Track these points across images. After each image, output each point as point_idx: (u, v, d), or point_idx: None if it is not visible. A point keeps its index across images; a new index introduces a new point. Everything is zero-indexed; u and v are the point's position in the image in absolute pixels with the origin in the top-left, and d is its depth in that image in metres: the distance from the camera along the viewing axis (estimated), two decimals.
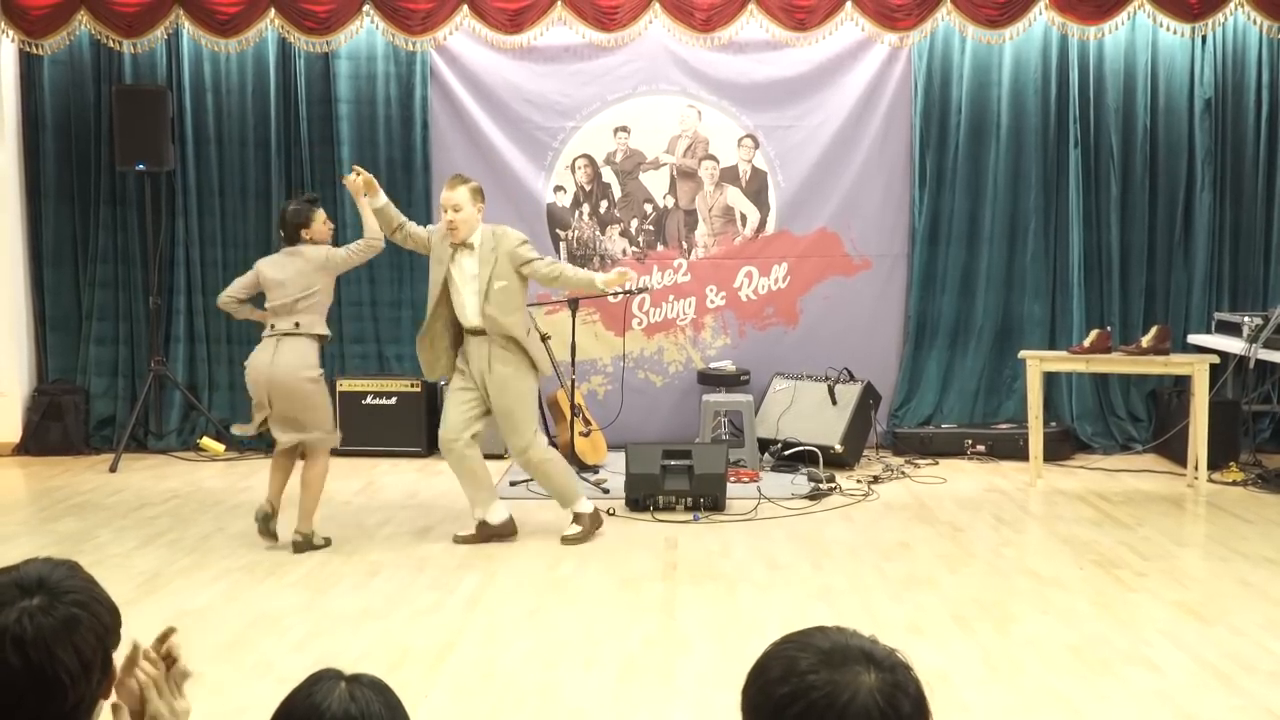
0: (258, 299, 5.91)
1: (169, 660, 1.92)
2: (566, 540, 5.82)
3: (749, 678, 1.49)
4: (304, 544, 5.69)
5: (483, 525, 5.86)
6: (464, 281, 5.71)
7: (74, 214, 8.34)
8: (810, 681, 1.41)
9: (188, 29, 7.95)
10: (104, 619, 1.63)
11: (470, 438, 5.82)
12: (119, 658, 1.76)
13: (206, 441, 8.05)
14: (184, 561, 5.56)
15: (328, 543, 5.80)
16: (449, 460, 5.92)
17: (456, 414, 5.81)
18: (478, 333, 5.73)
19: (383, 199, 5.84)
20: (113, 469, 7.63)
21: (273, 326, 5.71)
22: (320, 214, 5.86)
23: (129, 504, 6.77)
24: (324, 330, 5.80)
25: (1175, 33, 7.77)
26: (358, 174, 5.80)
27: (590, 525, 5.90)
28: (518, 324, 5.72)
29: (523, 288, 5.78)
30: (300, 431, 5.68)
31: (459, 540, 5.86)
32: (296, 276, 5.70)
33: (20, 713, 1.54)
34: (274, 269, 5.79)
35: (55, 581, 1.62)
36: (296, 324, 5.67)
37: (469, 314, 5.73)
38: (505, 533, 5.88)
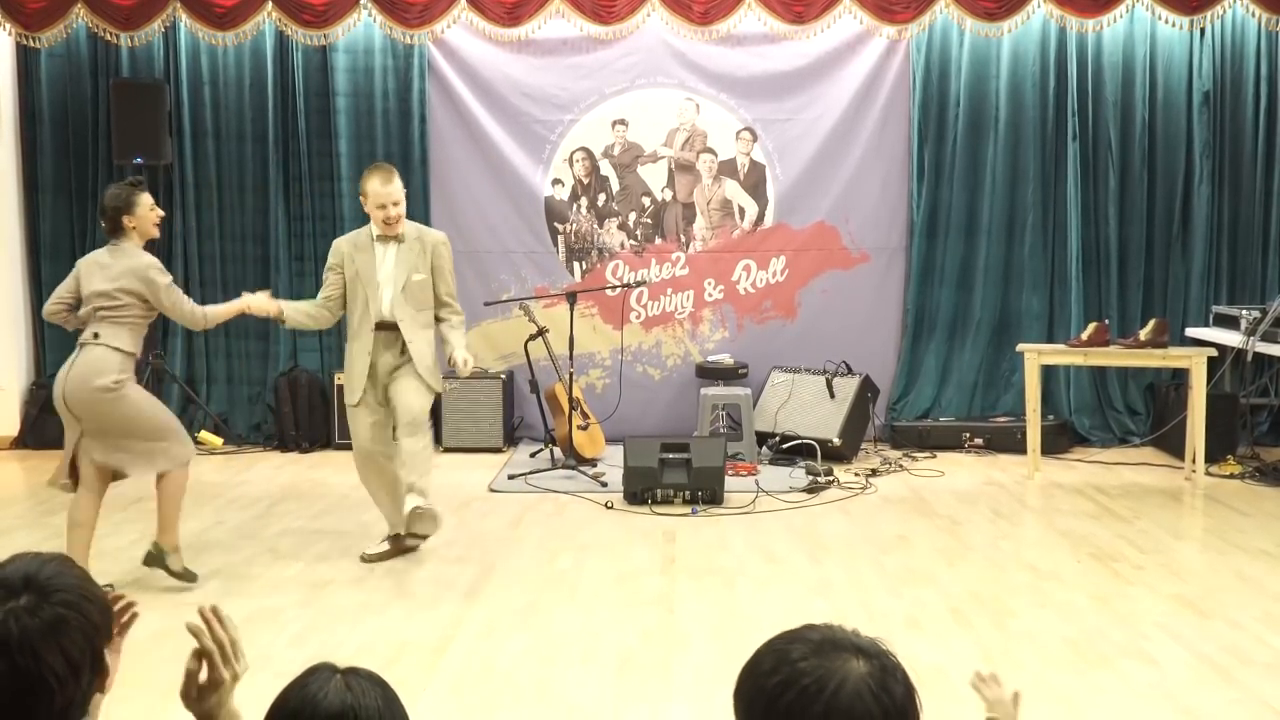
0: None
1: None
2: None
3: (741, 675, 1.52)
4: (157, 558, 5.05)
5: (396, 538, 5.50)
6: (381, 275, 5.39)
7: (71, 208, 8.33)
8: (801, 669, 1.44)
9: (185, 22, 7.94)
10: (93, 618, 1.60)
11: (388, 446, 5.43)
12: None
13: (205, 435, 8.04)
14: (182, 555, 5.54)
15: (188, 577, 5.07)
16: (369, 474, 5.46)
17: (370, 425, 5.39)
18: (388, 327, 5.37)
19: (289, 315, 5.45)
20: None
21: (79, 333, 5.00)
22: (146, 199, 5.03)
23: (127, 497, 6.75)
24: (129, 347, 4.94)
25: (1174, 25, 7.77)
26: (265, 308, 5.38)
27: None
28: (430, 318, 5.48)
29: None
30: (126, 453, 4.97)
31: (370, 559, 5.42)
32: (119, 277, 4.92)
33: (9, 714, 1.53)
34: (91, 269, 4.98)
35: (43, 579, 1.59)
36: (96, 334, 4.91)
37: (381, 308, 5.37)
38: (415, 538, 5.48)
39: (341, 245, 5.52)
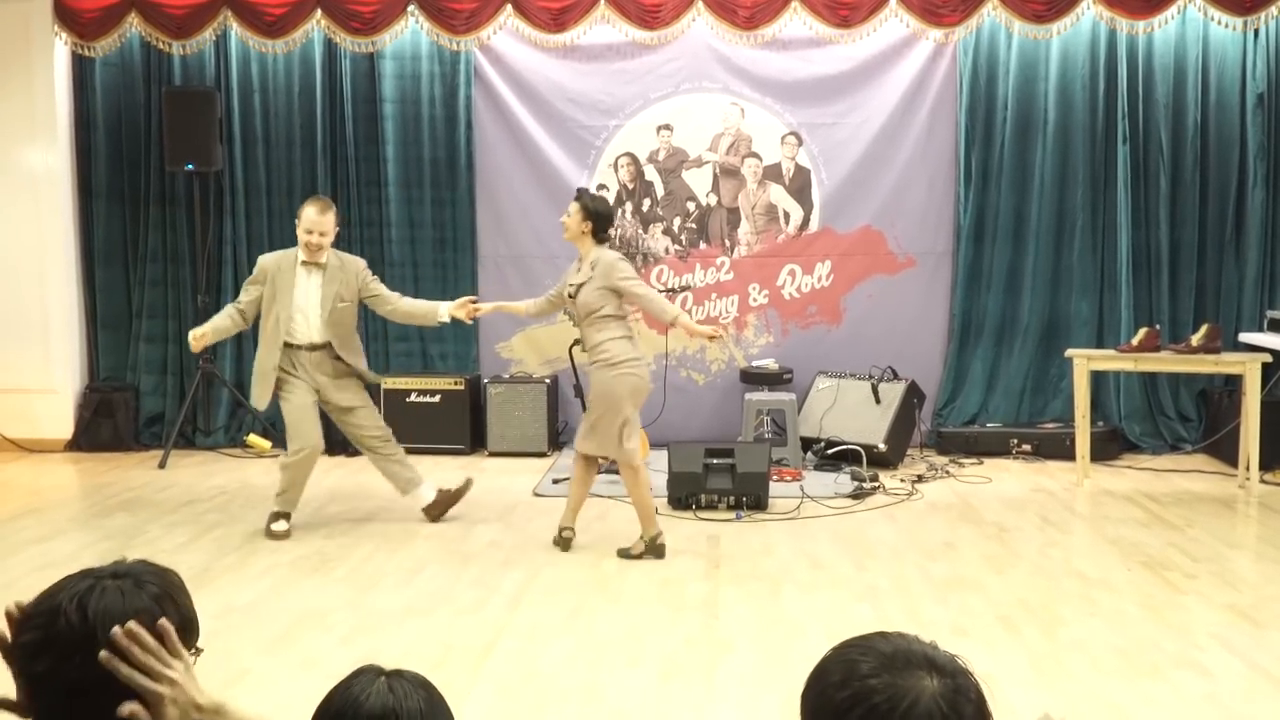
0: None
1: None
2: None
3: (808, 682, 1.47)
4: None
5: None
6: (305, 299, 5.99)
7: (124, 214, 8.47)
8: (871, 685, 1.39)
9: (236, 30, 8.06)
10: (171, 617, 1.69)
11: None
12: None
13: (253, 438, 8.13)
14: (231, 557, 5.62)
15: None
16: (310, 465, 6.05)
17: (316, 422, 6.07)
18: (316, 348, 6.03)
19: (212, 338, 6.16)
20: (162, 465, 7.74)
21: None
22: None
23: (178, 500, 6.86)
24: None
25: (1227, 26, 7.65)
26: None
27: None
28: (352, 340, 6.18)
29: (356, 310, 6.20)
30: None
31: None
32: None
33: (68, 673, 1.62)
34: None
35: (141, 573, 1.72)
36: None
37: (310, 330, 6.00)
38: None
39: (266, 263, 6.09)
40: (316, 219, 5.99)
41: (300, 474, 6.04)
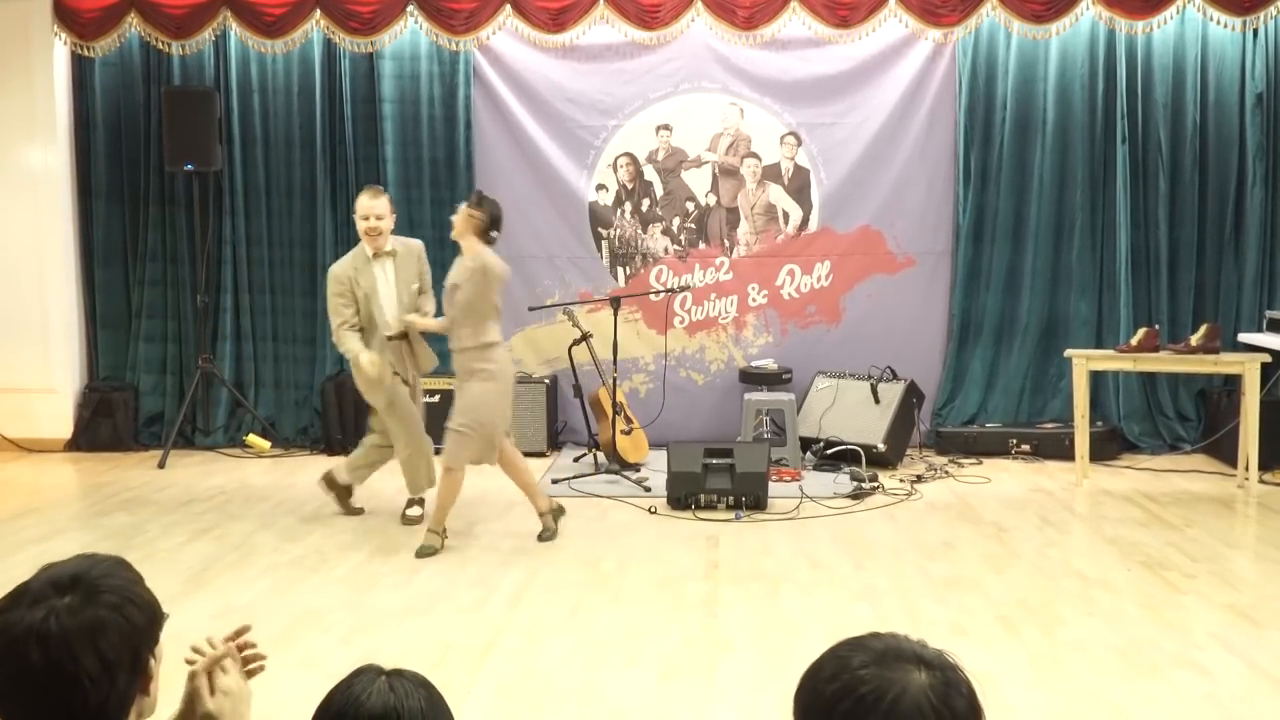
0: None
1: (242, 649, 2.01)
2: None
3: (801, 680, 1.50)
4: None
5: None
6: (385, 291, 6.08)
7: (124, 213, 8.47)
8: (860, 677, 1.42)
9: (235, 30, 8.06)
10: (136, 621, 1.64)
11: None
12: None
13: (253, 438, 8.13)
14: (230, 557, 5.62)
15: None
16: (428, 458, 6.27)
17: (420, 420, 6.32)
18: (398, 337, 6.08)
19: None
20: (161, 465, 7.74)
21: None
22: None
23: (177, 499, 6.86)
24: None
25: (1226, 26, 7.66)
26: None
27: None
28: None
29: None
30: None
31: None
32: None
33: (46, 707, 1.57)
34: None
35: (92, 580, 1.64)
36: None
37: (389, 319, 6.06)
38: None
39: (343, 272, 6.07)
40: (369, 204, 6.08)
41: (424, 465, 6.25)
